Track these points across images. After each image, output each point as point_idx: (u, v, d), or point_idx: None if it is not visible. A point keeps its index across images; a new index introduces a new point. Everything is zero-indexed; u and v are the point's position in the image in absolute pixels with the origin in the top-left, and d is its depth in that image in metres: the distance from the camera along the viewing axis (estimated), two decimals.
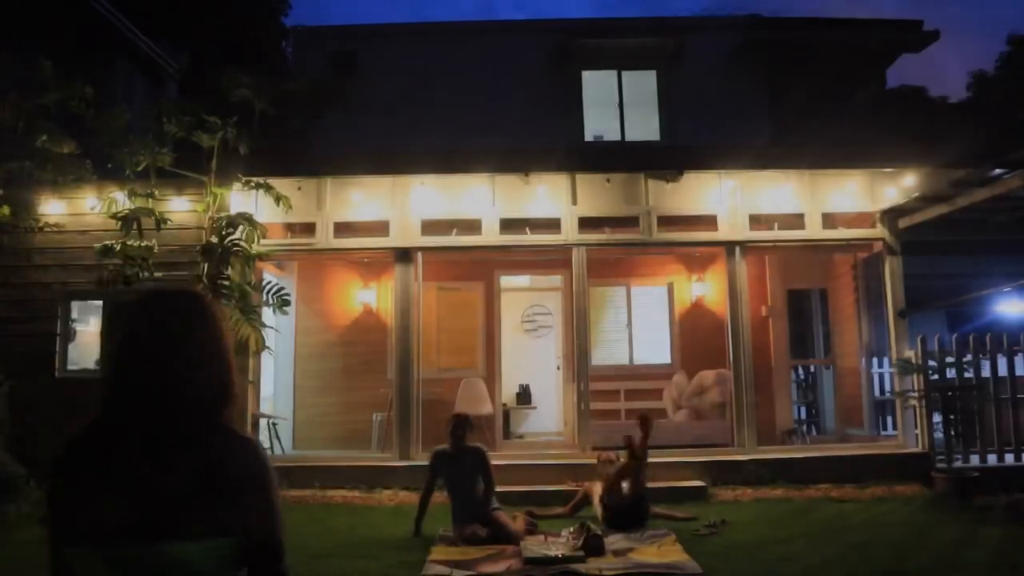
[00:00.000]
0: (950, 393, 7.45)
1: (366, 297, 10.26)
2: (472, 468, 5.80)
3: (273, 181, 8.22)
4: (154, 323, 1.41)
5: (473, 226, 8.59)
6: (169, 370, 1.36)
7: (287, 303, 8.20)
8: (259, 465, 1.37)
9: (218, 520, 1.31)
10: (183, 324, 1.41)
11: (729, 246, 8.52)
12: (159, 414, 1.34)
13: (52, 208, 8.49)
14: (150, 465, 1.31)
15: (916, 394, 7.69)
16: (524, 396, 10.54)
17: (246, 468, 1.36)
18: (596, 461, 6.59)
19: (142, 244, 7.79)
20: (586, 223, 8.59)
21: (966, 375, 7.80)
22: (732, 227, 8.52)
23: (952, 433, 7.42)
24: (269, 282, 8.56)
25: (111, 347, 1.42)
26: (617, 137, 12.45)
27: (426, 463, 6.14)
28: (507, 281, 10.39)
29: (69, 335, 8.60)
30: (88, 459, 1.34)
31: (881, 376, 9.99)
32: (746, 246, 8.57)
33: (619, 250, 9.34)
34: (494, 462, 5.98)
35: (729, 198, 8.55)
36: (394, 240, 8.53)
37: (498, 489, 5.93)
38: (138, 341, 1.39)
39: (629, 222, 8.68)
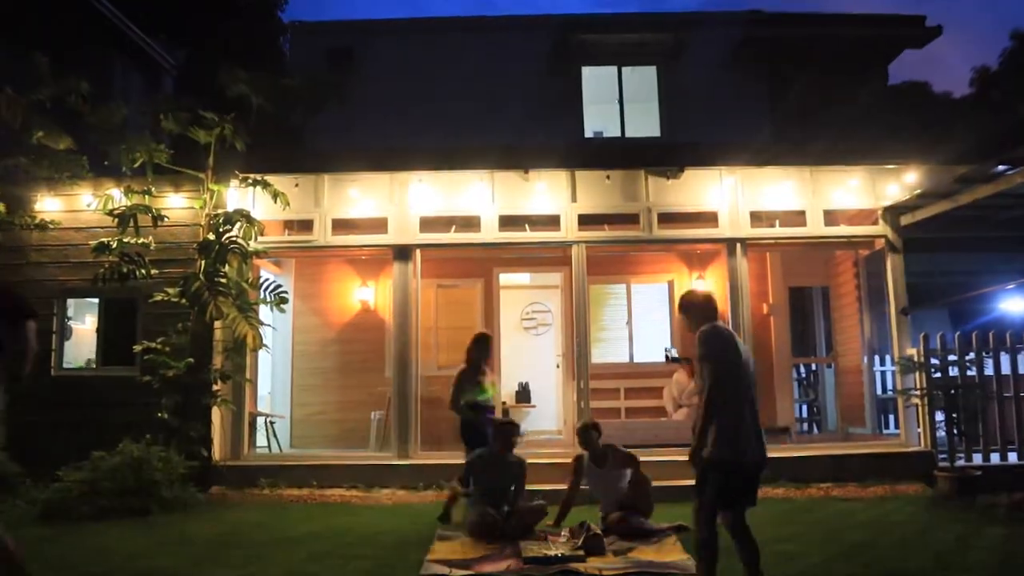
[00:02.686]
0: (952, 391, 7.39)
1: (364, 295, 10.20)
2: (509, 478, 5.84)
3: (270, 178, 8.17)
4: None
5: (472, 223, 8.53)
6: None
7: (284, 301, 8.15)
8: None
9: None
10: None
11: (730, 243, 8.46)
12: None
13: (48, 205, 8.44)
14: None
15: (918, 392, 7.62)
16: (523, 394, 10.47)
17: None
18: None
19: (139, 241, 7.75)
20: (586, 220, 8.54)
21: (969, 373, 7.75)
22: (733, 224, 8.47)
23: (955, 432, 7.37)
24: (266, 279, 8.50)
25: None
26: (617, 133, 12.39)
27: (426, 462, 6.09)
28: (506, 278, 10.33)
29: (65, 333, 8.55)
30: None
31: (883, 374, 9.94)
32: (747, 243, 8.51)
33: (619, 247, 9.28)
34: None
35: (730, 195, 8.49)
36: (392, 237, 8.48)
37: None
38: None
39: (629, 219, 8.63)
